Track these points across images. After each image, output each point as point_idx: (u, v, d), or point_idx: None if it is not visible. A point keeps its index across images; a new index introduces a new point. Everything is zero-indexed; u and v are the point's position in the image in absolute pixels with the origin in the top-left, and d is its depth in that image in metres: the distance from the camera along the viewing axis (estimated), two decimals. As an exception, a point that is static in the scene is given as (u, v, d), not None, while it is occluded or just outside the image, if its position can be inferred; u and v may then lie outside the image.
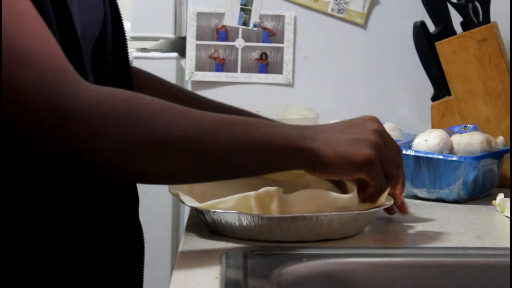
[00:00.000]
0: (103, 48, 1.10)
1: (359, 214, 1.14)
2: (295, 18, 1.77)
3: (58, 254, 1.00)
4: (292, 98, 1.77)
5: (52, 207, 0.99)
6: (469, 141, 1.46)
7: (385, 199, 1.20)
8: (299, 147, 1.02)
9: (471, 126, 1.53)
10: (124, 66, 1.15)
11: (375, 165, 1.06)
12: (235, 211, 1.10)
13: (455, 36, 1.61)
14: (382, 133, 1.08)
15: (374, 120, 1.09)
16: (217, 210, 1.13)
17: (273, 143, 1.00)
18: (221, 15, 1.77)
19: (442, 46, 1.61)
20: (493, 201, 1.38)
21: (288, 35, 1.77)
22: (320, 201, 1.11)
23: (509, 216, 1.33)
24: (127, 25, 1.82)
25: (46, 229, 0.99)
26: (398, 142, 1.50)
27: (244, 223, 1.11)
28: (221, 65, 1.78)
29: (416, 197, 1.47)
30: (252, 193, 1.10)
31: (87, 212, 1.03)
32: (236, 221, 1.11)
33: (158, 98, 0.96)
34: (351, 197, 1.13)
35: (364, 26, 1.77)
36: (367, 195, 1.12)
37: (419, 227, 1.26)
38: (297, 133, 1.02)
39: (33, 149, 0.89)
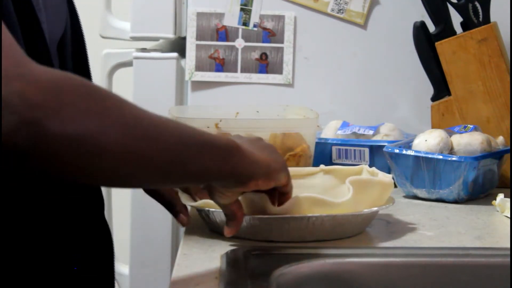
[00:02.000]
0: (64, 50, 1.10)
1: (353, 216, 1.15)
2: (295, 18, 1.77)
3: (29, 254, 1.01)
4: (292, 98, 1.77)
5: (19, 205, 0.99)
6: (469, 141, 1.46)
7: (381, 202, 1.21)
8: (239, 148, 0.99)
9: (471, 126, 1.53)
10: (84, 68, 1.15)
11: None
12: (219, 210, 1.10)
13: (455, 36, 1.61)
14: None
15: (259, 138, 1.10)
16: (211, 209, 1.14)
17: (218, 143, 0.96)
18: (221, 15, 1.77)
19: (442, 46, 1.61)
20: (493, 201, 1.38)
21: (288, 35, 1.77)
22: (307, 204, 1.13)
23: (509, 216, 1.33)
24: (127, 25, 1.83)
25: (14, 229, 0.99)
26: (398, 142, 1.51)
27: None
28: (221, 65, 1.78)
29: (416, 197, 1.47)
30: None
31: (52, 212, 1.03)
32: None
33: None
34: (345, 201, 1.14)
35: (364, 26, 1.77)
36: (288, 197, 1.11)
37: (419, 227, 1.26)
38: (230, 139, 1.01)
39: None
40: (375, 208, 1.18)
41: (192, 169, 0.92)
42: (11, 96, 0.76)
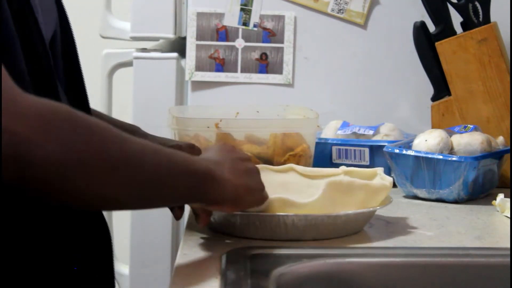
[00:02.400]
0: (54, 50, 1.10)
1: (328, 217, 1.15)
2: (295, 18, 1.77)
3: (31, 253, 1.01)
4: (292, 98, 1.77)
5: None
6: (469, 141, 1.46)
7: (380, 203, 1.20)
8: (213, 177, 1.05)
9: (471, 126, 1.53)
10: (74, 67, 1.16)
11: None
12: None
13: (455, 36, 1.61)
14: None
15: (233, 149, 1.15)
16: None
17: (195, 172, 1.03)
18: (221, 15, 1.77)
19: (442, 46, 1.61)
20: (493, 201, 1.38)
21: (288, 35, 1.77)
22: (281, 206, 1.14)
23: (509, 216, 1.33)
24: (127, 25, 1.83)
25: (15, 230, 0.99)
26: (398, 142, 1.50)
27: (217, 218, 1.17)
28: (221, 65, 1.78)
29: (416, 197, 1.47)
30: None
31: (52, 212, 1.03)
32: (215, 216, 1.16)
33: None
34: (315, 201, 1.14)
35: (364, 26, 1.77)
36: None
37: (419, 227, 1.26)
38: (210, 163, 1.06)
39: None
40: (359, 211, 1.17)
41: (166, 193, 0.99)
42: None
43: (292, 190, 1.24)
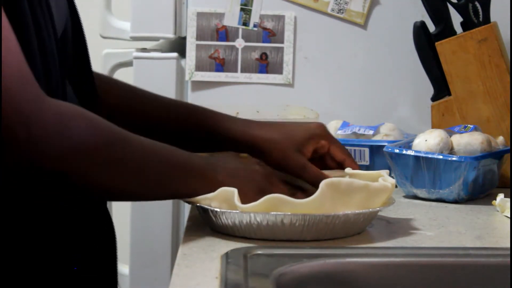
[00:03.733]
0: (65, 47, 1.10)
1: (327, 216, 1.15)
2: (295, 18, 1.77)
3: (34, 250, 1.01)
4: (292, 98, 1.77)
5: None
6: (469, 141, 1.46)
7: (381, 204, 1.20)
8: (205, 174, 1.11)
9: (471, 126, 1.53)
10: (85, 63, 1.16)
11: (273, 177, 1.17)
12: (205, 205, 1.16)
13: (455, 36, 1.61)
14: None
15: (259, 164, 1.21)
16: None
17: (197, 171, 1.10)
18: (221, 15, 1.77)
19: (442, 46, 1.61)
20: (493, 201, 1.38)
21: (288, 35, 1.77)
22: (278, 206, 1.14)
23: (509, 216, 1.33)
24: (127, 25, 1.83)
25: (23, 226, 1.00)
26: (398, 142, 1.50)
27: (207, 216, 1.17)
28: (221, 65, 1.78)
29: (416, 197, 1.47)
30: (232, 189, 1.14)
31: (53, 210, 1.03)
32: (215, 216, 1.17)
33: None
34: (311, 200, 1.14)
35: (364, 26, 1.77)
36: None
37: (419, 227, 1.26)
38: (205, 162, 1.12)
39: None
40: (358, 211, 1.17)
41: (171, 189, 1.09)
42: (16, 139, 0.90)
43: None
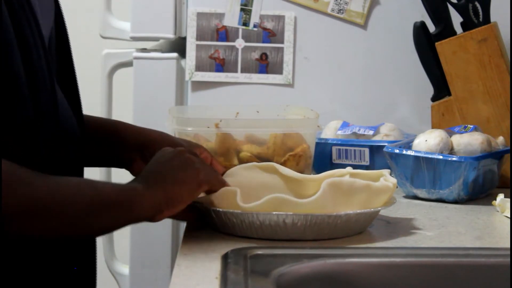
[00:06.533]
0: (51, 47, 1.10)
1: (329, 216, 1.15)
2: (295, 18, 1.77)
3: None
4: (292, 98, 1.77)
5: None
6: (469, 141, 1.46)
7: (383, 203, 1.20)
8: (137, 197, 1.05)
9: (471, 126, 1.53)
10: (68, 64, 1.16)
11: (204, 170, 1.14)
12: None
13: (455, 36, 1.61)
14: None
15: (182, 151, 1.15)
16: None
17: (115, 201, 1.03)
18: (221, 15, 1.77)
19: (442, 46, 1.61)
20: (493, 201, 1.38)
21: (288, 35, 1.77)
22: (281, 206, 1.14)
23: (509, 216, 1.33)
24: (127, 25, 1.83)
25: None
26: (398, 143, 1.50)
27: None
28: (221, 65, 1.78)
29: (416, 197, 1.47)
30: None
31: None
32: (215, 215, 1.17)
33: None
34: (313, 200, 1.14)
35: (364, 26, 1.77)
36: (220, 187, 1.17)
37: (419, 227, 1.26)
38: (138, 185, 1.06)
39: None
40: (359, 211, 1.17)
41: (97, 228, 1.02)
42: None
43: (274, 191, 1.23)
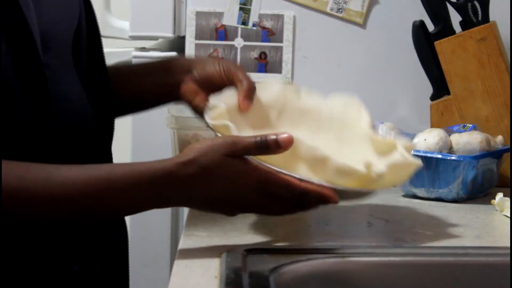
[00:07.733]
0: (78, 43, 1.10)
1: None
2: (294, 17, 1.77)
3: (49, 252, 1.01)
4: (291, 98, 1.76)
5: None
6: (468, 140, 1.46)
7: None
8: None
9: (470, 125, 1.53)
10: (99, 61, 1.16)
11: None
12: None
13: (454, 36, 1.61)
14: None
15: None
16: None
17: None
18: (220, 15, 1.77)
19: (441, 46, 1.61)
20: (492, 201, 1.38)
21: (287, 34, 1.77)
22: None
23: (508, 215, 1.33)
24: (126, 24, 1.83)
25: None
26: (397, 142, 1.50)
27: None
28: (220, 65, 1.78)
29: (415, 197, 1.47)
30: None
31: None
32: None
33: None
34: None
35: (363, 25, 1.77)
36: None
37: (419, 226, 1.26)
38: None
39: None
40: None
41: (121, 208, 1.03)
42: None
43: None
